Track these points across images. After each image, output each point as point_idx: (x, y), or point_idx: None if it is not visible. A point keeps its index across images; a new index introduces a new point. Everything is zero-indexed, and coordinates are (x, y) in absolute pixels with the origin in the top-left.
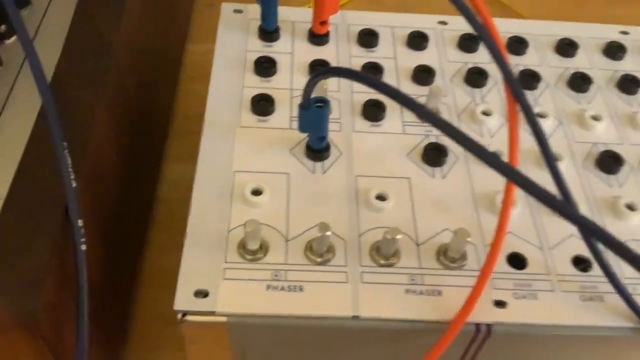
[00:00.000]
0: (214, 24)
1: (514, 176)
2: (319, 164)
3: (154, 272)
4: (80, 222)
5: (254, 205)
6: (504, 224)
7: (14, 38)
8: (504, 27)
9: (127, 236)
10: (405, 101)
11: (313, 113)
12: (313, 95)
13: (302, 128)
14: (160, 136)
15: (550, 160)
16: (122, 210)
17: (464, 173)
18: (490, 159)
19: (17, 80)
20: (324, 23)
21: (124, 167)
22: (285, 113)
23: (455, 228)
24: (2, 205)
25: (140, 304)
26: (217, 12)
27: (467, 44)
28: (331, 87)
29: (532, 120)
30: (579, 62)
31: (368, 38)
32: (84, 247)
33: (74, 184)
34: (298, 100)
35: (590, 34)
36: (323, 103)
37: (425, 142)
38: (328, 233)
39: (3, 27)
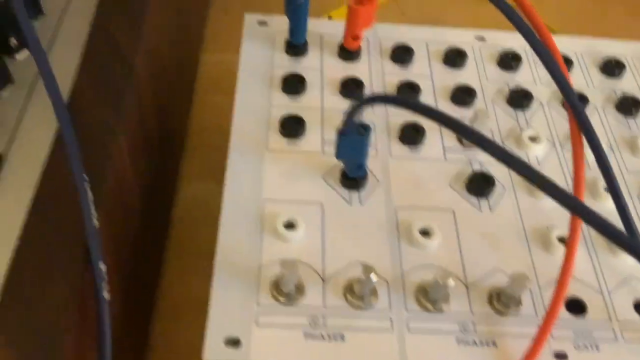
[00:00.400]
0: (229, 32)
1: (582, 212)
2: (355, 193)
3: (171, 300)
4: (103, 267)
5: (287, 239)
6: (568, 266)
7: (25, 52)
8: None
9: (145, 265)
10: (475, 136)
11: (353, 140)
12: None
13: (340, 155)
14: (175, 153)
15: (617, 194)
16: (141, 239)
17: (512, 205)
18: (568, 200)
19: (31, 101)
20: (356, 38)
21: (143, 193)
22: (316, 135)
23: (505, 266)
24: (15, 246)
25: (157, 335)
26: (232, 19)
27: (507, 61)
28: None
29: (598, 150)
30: (627, 84)
31: (402, 54)
32: (107, 295)
33: (96, 223)
34: (329, 122)
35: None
36: (364, 129)
37: (469, 169)
38: (374, 278)
39: (13, 40)
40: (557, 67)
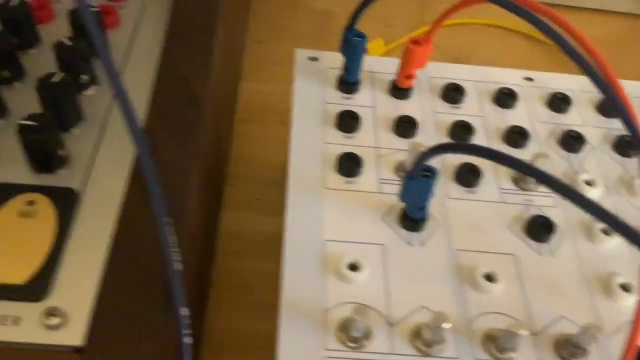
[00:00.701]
0: (263, 62)
1: None
2: (415, 235)
3: (215, 335)
4: (185, 311)
5: (351, 281)
6: None
7: (93, 89)
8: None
9: (199, 302)
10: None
11: (419, 183)
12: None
13: (405, 198)
14: (220, 184)
15: None
16: (199, 276)
17: (571, 249)
18: None
19: (103, 138)
20: (410, 77)
21: (205, 230)
22: (372, 174)
23: (570, 314)
24: (96, 291)
25: None
26: (266, 49)
27: (557, 103)
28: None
29: None
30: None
31: (453, 93)
32: (189, 340)
33: (178, 267)
34: (384, 160)
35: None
36: (431, 173)
37: (527, 213)
38: (447, 326)
39: (84, 76)
40: (627, 112)
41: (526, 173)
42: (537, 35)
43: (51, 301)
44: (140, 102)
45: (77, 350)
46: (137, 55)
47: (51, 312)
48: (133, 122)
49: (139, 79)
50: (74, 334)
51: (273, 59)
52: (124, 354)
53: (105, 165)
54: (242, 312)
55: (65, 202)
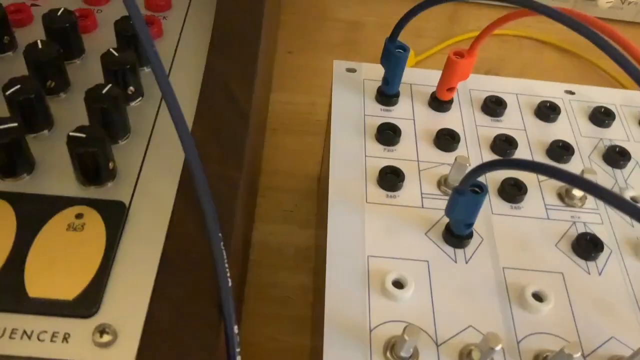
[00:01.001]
0: (292, 73)
1: None
2: (460, 251)
3: (246, 350)
4: (236, 329)
5: (396, 298)
6: None
7: (139, 100)
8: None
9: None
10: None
11: (468, 199)
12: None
13: (452, 213)
14: (254, 196)
15: None
16: (239, 290)
17: (619, 268)
18: None
19: (149, 149)
20: (451, 89)
21: (243, 243)
22: (415, 189)
23: (620, 335)
24: (147, 308)
25: None
26: (295, 59)
27: (600, 117)
28: None
29: None
30: None
31: (493, 106)
32: (240, 359)
33: (230, 282)
34: (426, 174)
35: None
36: (480, 189)
37: (573, 230)
38: (498, 348)
39: (131, 87)
40: None
41: (586, 190)
42: (567, 46)
43: (101, 318)
44: (186, 114)
45: None
46: (181, 66)
47: (102, 329)
48: (185, 133)
49: (184, 91)
50: (125, 352)
51: (302, 69)
52: None
53: (153, 177)
54: (275, 327)
55: (115, 216)
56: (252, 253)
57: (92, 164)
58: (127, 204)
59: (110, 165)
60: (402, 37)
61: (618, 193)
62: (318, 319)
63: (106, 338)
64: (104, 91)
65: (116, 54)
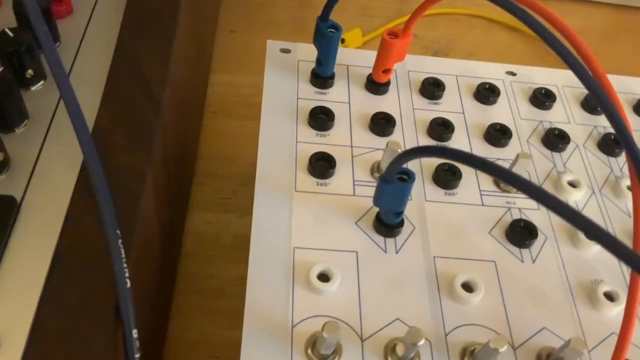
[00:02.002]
0: (235, 53)
1: None
2: (390, 241)
3: (180, 343)
4: (135, 334)
5: (321, 292)
6: (628, 331)
7: (40, 84)
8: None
9: (159, 309)
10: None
11: (395, 187)
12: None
13: (379, 202)
14: (187, 183)
15: None
16: (159, 283)
17: (554, 256)
18: (631, 256)
19: (47, 138)
20: (387, 71)
21: (162, 232)
22: (347, 175)
23: (552, 325)
24: (35, 311)
25: None
26: (238, 39)
27: (540, 98)
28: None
29: None
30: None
31: (432, 88)
32: None
33: (129, 283)
34: (360, 160)
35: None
36: (407, 177)
37: (508, 216)
38: (421, 342)
39: (30, 71)
40: (615, 111)
41: (507, 181)
42: (520, 26)
43: None
44: (92, 98)
45: None
46: (91, 46)
47: None
48: (79, 122)
49: (92, 73)
50: (8, 358)
51: (246, 49)
52: None
53: (51, 169)
54: (209, 320)
55: (4, 212)
56: (186, 243)
57: None
58: (18, 198)
59: (0, 156)
60: (350, 15)
61: (540, 186)
62: None
63: None
64: None
65: (11, 34)
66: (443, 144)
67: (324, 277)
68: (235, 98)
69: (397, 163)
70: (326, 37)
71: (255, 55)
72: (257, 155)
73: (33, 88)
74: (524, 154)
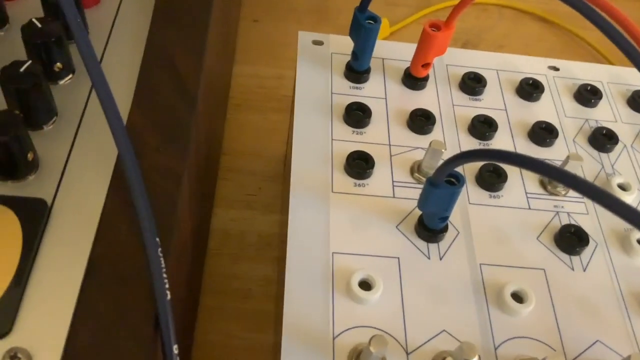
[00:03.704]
0: (259, 43)
1: None
2: (434, 246)
3: (204, 348)
4: (176, 349)
5: (362, 301)
6: None
7: (69, 78)
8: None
9: (189, 311)
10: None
11: (443, 191)
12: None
13: (424, 206)
14: (213, 180)
15: None
16: (189, 285)
17: (605, 264)
18: None
19: (78, 136)
20: (426, 65)
21: (194, 236)
22: (386, 176)
23: (606, 338)
24: (69, 325)
25: None
26: (262, 29)
27: (586, 95)
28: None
29: None
30: None
31: (472, 84)
32: None
33: (169, 295)
34: (399, 160)
35: None
36: (457, 180)
37: (556, 221)
38: (474, 359)
39: (59, 64)
40: None
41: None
42: (549, 16)
43: (14, 340)
44: (124, 95)
45: None
46: (120, 38)
47: (13, 354)
48: (114, 119)
49: (123, 67)
50: None
51: (269, 39)
52: None
53: (82, 170)
54: (234, 322)
55: (34, 216)
56: (211, 242)
57: (5, 155)
58: (49, 202)
59: (29, 156)
60: (375, 6)
61: (604, 189)
62: (281, 313)
63: None
64: (21, 69)
65: (39, 24)
66: (486, 142)
67: (365, 285)
68: (259, 90)
69: (448, 166)
70: (364, 28)
71: (279, 46)
72: (281, 150)
73: (62, 82)
74: (575, 156)
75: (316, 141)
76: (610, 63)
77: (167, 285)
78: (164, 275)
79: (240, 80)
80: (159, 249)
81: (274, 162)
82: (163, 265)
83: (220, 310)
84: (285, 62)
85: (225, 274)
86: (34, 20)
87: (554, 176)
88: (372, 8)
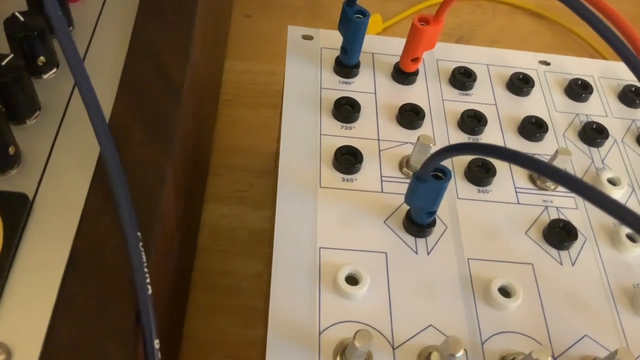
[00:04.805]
0: (251, 38)
1: None
2: (421, 241)
3: (193, 343)
4: (157, 343)
5: (349, 296)
6: None
7: (52, 72)
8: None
9: (177, 307)
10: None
11: (430, 186)
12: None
13: (411, 201)
14: (203, 175)
15: None
16: (176, 282)
17: (594, 258)
18: None
19: (61, 131)
20: (416, 60)
21: (179, 229)
22: (374, 171)
23: (594, 333)
24: (50, 322)
25: None
26: (254, 24)
27: (576, 90)
28: None
29: None
30: None
31: (462, 78)
32: None
33: (150, 290)
34: (388, 155)
35: None
36: (443, 175)
37: (545, 216)
38: (460, 354)
39: (42, 59)
40: None
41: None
42: (543, 12)
43: None
44: (108, 89)
45: None
46: (105, 32)
47: None
48: (96, 113)
49: (107, 61)
50: None
51: (261, 35)
52: None
53: (65, 164)
54: (223, 319)
55: (15, 210)
56: (201, 238)
57: None
58: (31, 196)
59: (11, 150)
60: (368, 1)
61: (592, 185)
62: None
63: None
64: (3, 63)
65: (22, 18)
66: (475, 137)
67: (352, 280)
68: (250, 86)
69: (434, 160)
70: (353, 23)
71: (271, 41)
72: (273, 147)
73: (45, 77)
74: (564, 150)
75: (305, 136)
76: (604, 58)
77: (148, 280)
78: (145, 270)
79: (232, 76)
80: (140, 243)
81: (266, 158)
82: (144, 260)
83: (210, 306)
84: (278, 58)
85: (216, 270)
86: (16, 14)
87: (539, 170)
88: (366, 3)
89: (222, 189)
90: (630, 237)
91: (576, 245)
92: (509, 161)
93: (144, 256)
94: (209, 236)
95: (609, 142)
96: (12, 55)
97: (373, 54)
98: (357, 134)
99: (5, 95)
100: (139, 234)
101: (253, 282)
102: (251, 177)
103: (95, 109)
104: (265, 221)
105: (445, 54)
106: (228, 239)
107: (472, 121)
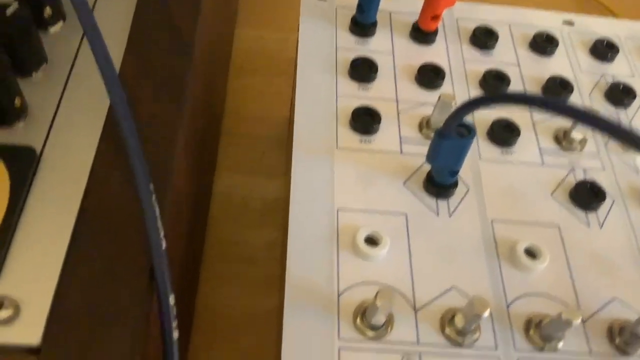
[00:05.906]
0: (262, 5)
1: None
2: (443, 203)
3: (208, 312)
4: (172, 300)
5: (368, 257)
6: None
7: (59, 25)
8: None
9: (188, 275)
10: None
11: (453, 143)
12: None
13: (434, 159)
14: (214, 143)
15: None
16: (188, 247)
17: (622, 220)
18: None
19: (68, 85)
20: (436, 18)
21: (193, 197)
22: (393, 131)
23: (623, 295)
24: (59, 277)
25: (195, 353)
26: None
27: (602, 50)
28: None
29: None
30: None
31: (484, 38)
32: (176, 335)
33: (164, 244)
34: (406, 115)
35: None
36: (468, 131)
37: (571, 177)
38: (486, 314)
39: (48, 9)
40: None
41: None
42: None
43: (1, 288)
44: (117, 44)
45: (32, 351)
46: None
47: (0, 303)
48: (107, 66)
49: (115, 15)
50: (29, 331)
51: (273, 1)
52: (92, 356)
53: (72, 119)
54: (237, 288)
55: (22, 164)
56: (213, 208)
57: None
58: (38, 150)
59: (17, 101)
60: None
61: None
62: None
63: (5, 313)
64: (8, 12)
65: None
66: None
67: (371, 241)
68: (262, 53)
69: (459, 115)
70: None
71: (283, 7)
72: (285, 115)
73: (52, 29)
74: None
75: (320, 97)
76: (614, 15)
77: (162, 234)
78: (159, 223)
79: (243, 44)
80: (154, 196)
81: (278, 126)
82: (158, 213)
83: (223, 276)
84: (290, 25)
85: (228, 240)
86: None
87: (579, 117)
88: None
89: (234, 158)
90: None
91: (604, 207)
92: (538, 108)
93: (157, 209)
94: (220, 205)
95: (636, 102)
96: (18, 5)
97: (390, 12)
98: (374, 95)
99: (11, 45)
100: (151, 186)
101: (267, 251)
102: (263, 146)
103: (105, 60)
104: (278, 190)
105: (466, 13)
106: (240, 208)
107: (495, 81)
